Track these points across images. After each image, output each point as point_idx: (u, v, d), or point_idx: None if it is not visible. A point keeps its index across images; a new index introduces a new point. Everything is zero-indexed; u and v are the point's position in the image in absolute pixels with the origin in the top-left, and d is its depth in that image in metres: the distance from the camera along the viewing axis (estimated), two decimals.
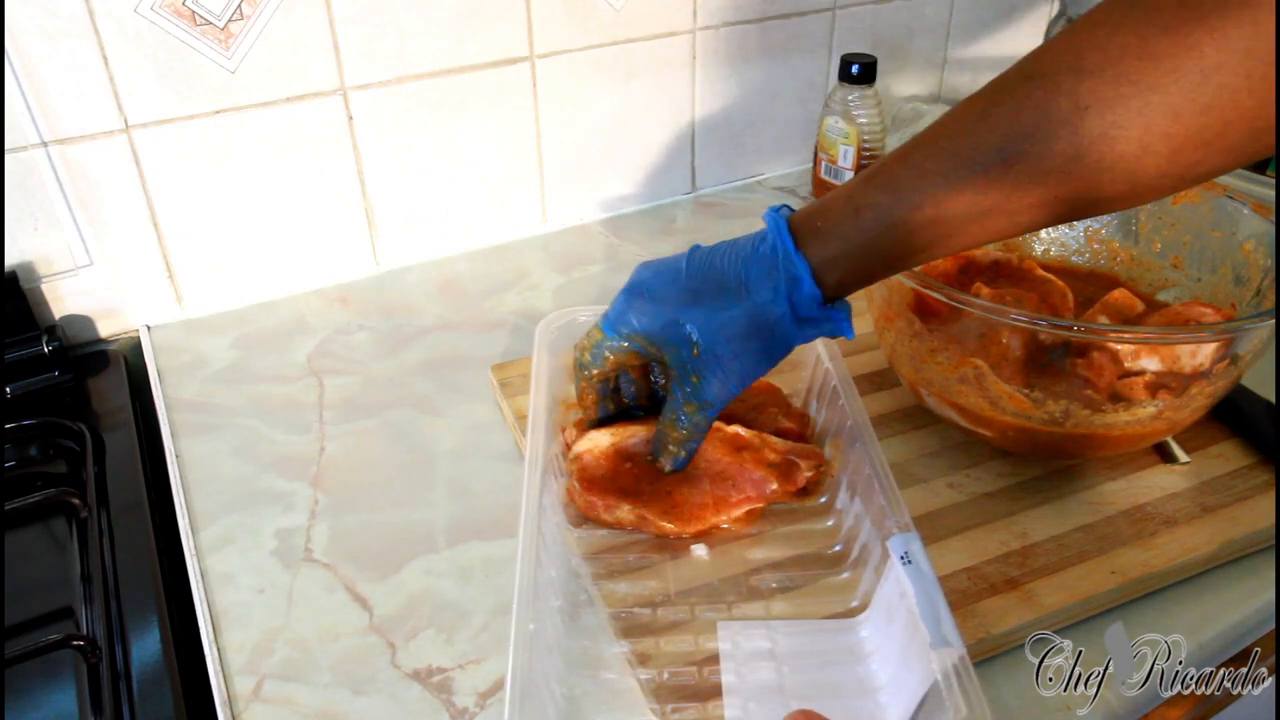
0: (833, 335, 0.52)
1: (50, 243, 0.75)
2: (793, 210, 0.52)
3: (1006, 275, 0.69)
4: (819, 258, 0.49)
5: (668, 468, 0.57)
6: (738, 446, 0.58)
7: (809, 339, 0.52)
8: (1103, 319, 0.64)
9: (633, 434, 0.59)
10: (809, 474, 0.58)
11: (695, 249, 0.54)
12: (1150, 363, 0.57)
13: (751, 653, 0.49)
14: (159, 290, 0.81)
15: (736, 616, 0.51)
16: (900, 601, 0.46)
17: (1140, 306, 0.65)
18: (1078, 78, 0.40)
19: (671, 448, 0.57)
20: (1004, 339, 0.57)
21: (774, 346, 0.52)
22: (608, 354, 0.57)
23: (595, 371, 0.58)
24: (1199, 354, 0.55)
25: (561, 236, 0.95)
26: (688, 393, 0.54)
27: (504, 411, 0.69)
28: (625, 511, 0.55)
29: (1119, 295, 0.66)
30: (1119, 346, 0.57)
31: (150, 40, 0.71)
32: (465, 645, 0.52)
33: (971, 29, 1.12)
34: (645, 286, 0.55)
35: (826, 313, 0.50)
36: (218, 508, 0.62)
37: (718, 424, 0.59)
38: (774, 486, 0.56)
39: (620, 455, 0.58)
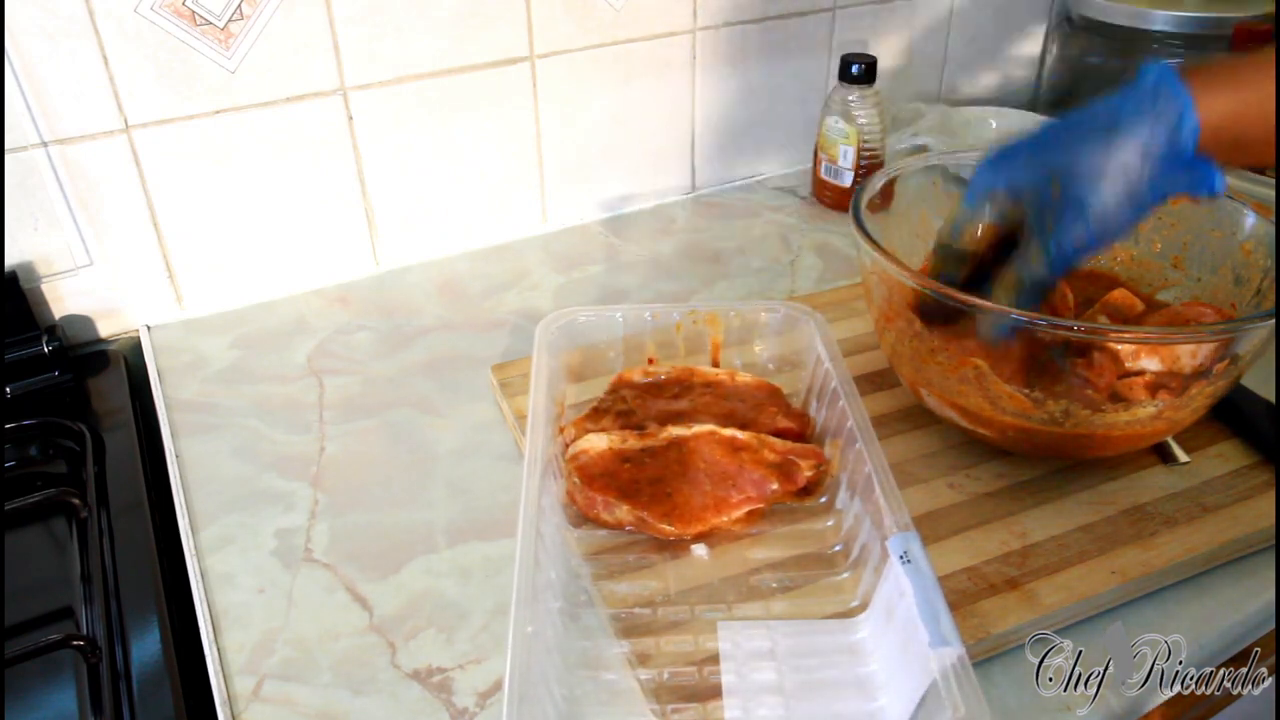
0: (1203, 188, 0.49)
1: (50, 243, 0.75)
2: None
3: None
4: (1206, 100, 0.47)
5: (987, 331, 0.53)
6: (736, 448, 0.58)
7: (1175, 190, 0.49)
8: (1102, 319, 0.64)
9: (629, 438, 0.59)
10: (809, 474, 0.58)
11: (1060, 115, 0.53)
12: (1150, 363, 0.57)
13: (751, 653, 0.49)
14: (159, 290, 0.81)
15: (736, 616, 0.51)
16: (900, 601, 0.46)
17: (1140, 306, 0.65)
18: None
19: (1005, 302, 0.52)
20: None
21: (1139, 191, 0.49)
22: (966, 224, 0.54)
23: (956, 246, 0.55)
24: (1199, 354, 0.55)
25: (561, 236, 0.95)
26: (1041, 242, 0.51)
27: (504, 411, 0.69)
28: (625, 512, 0.55)
29: (1119, 295, 0.66)
30: (1119, 346, 0.57)
31: (150, 40, 0.71)
32: (465, 645, 0.52)
33: (971, 29, 1.12)
34: (1003, 149, 0.52)
35: (1203, 159, 0.48)
36: (218, 508, 0.62)
37: (715, 427, 0.59)
38: (774, 486, 0.56)
39: (619, 456, 0.58)
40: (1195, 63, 0.49)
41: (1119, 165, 0.48)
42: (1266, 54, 0.48)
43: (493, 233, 0.93)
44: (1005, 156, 0.53)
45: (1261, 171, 0.91)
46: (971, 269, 0.57)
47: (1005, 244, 0.55)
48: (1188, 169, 0.48)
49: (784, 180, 1.06)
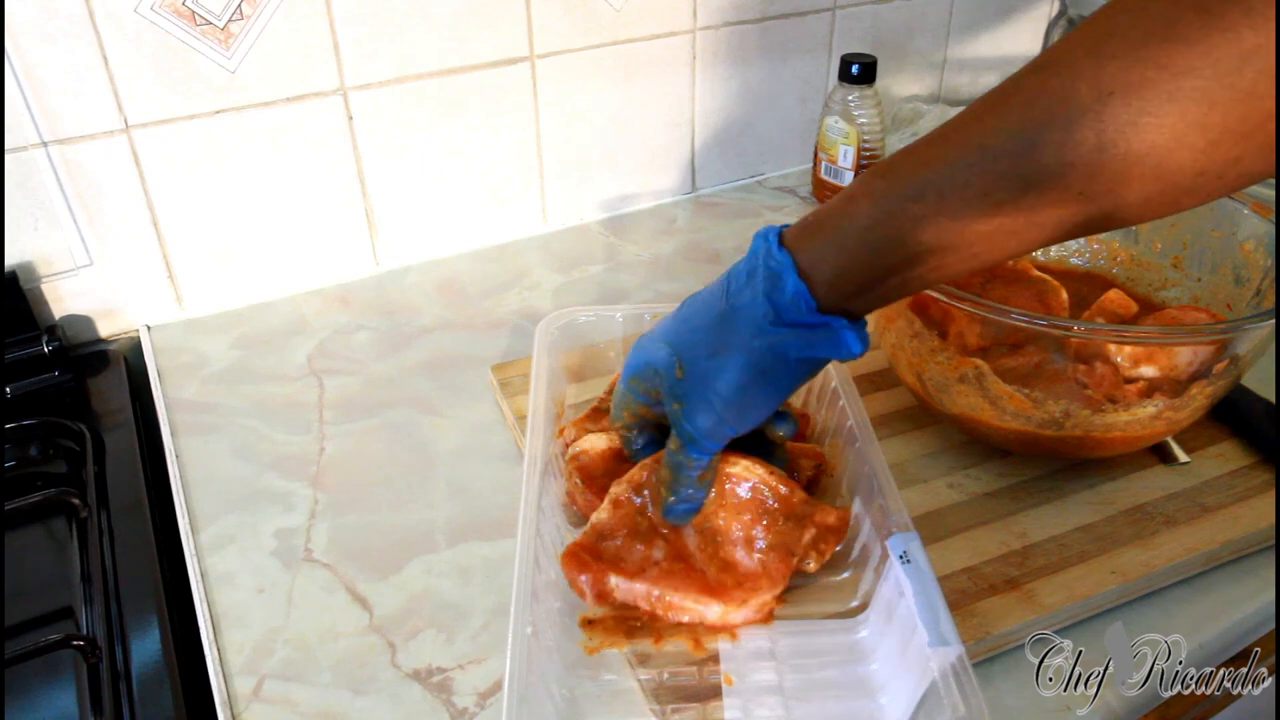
0: (834, 350, 0.44)
1: (50, 243, 0.75)
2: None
3: (1001, 276, 0.69)
4: (807, 252, 0.43)
5: (658, 516, 0.51)
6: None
7: (805, 352, 0.44)
8: (1099, 321, 0.64)
9: None
10: (809, 473, 0.58)
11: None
12: (1148, 369, 0.57)
13: (751, 653, 0.49)
14: (159, 290, 0.81)
15: None
16: (900, 601, 0.46)
17: (1135, 308, 0.65)
18: (1098, 62, 0.35)
19: (663, 491, 0.50)
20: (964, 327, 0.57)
21: (766, 364, 0.45)
22: (623, 405, 0.53)
23: (619, 425, 0.54)
24: (1195, 361, 0.55)
25: (561, 236, 0.95)
26: (676, 428, 0.48)
27: (504, 411, 0.69)
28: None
29: (1114, 296, 0.66)
30: (1118, 359, 0.57)
31: (150, 40, 0.71)
32: (465, 645, 0.52)
33: (971, 29, 1.12)
34: (653, 329, 0.51)
35: (822, 319, 0.43)
36: (218, 508, 0.62)
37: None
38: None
39: (618, 456, 0.58)
40: (799, 222, 0.45)
41: (738, 338, 0.45)
42: (850, 189, 0.43)
43: (493, 233, 0.93)
44: (649, 335, 0.51)
45: None
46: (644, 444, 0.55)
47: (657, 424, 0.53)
48: (810, 330, 0.44)
49: (784, 180, 1.06)
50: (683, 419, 0.47)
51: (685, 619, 0.50)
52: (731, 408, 0.46)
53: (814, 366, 0.46)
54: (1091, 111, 0.35)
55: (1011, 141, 0.37)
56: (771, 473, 0.53)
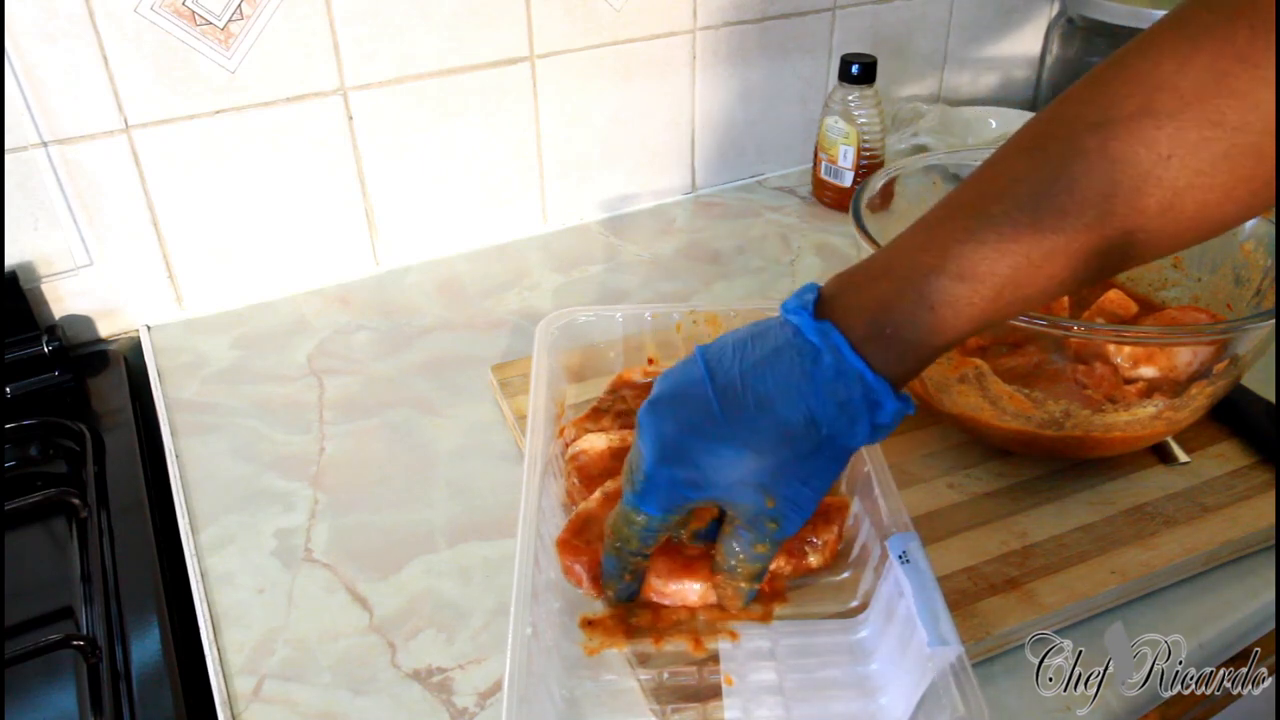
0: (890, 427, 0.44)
1: (50, 243, 0.75)
2: (816, 294, 0.44)
3: None
4: (887, 363, 0.42)
5: (738, 606, 0.50)
6: None
7: (865, 434, 0.44)
8: (1099, 321, 0.64)
9: (629, 438, 0.59)
10: None
11: (714, 366, 0.44)
12: (1148, 370, 0.57)
13: (751, 653, 0.49)
14: (159, 290, 0.81)
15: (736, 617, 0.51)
16: (899, 601, 0.46)
17: (1134, 308, 0.65)
18: (1156, 122, 0.35)
19: (743, 585, 0.49)
20: None
21: (845, 461, 0.45)
22: (658, 532, 0.47)
23: (647, 552, 0.48)
24: (1195, 361, 0.55)
25: (561, 236, 0.95)
26: (763, 535, 0.46)
27: (504, 411, 0.69)
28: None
29: (1113, 296, 0.66)
30: (1118, 359, 0.57)
31: (150, 40, 0.71)
32: (465, 645, 0.52)
33: (971, 29, 1.12)
34: (682, 451, 0.44)
35: (887, 398, 0.42)
36: (218, 508, 0.62)
37: None
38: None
39: (618, 456, 0.58)
40: (832, 287, 0.44)
41: (832, 459, 0.43)
42: (891, 256, 0.42)
43: (493, 233, 0.93)
44: (688, 464, 0.44)
45: None
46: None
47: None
48: (874, 402, 0.42)
49: (784, 180, 1.06)
50: (780, 531, 0.45)
51: (667, 603, 0.51)
52: (817, 504, 0.45)
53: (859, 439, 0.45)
54: (1153, 178, 0.36)
55: (1077, 207, 0.37)
56: None
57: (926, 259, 0.40)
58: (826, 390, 0.42)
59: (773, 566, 0.51)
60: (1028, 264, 0.39)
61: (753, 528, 0.46)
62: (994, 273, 0.39)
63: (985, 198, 0.40)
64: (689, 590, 0.50)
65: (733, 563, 0.48)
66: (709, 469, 0.43)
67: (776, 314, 0.45)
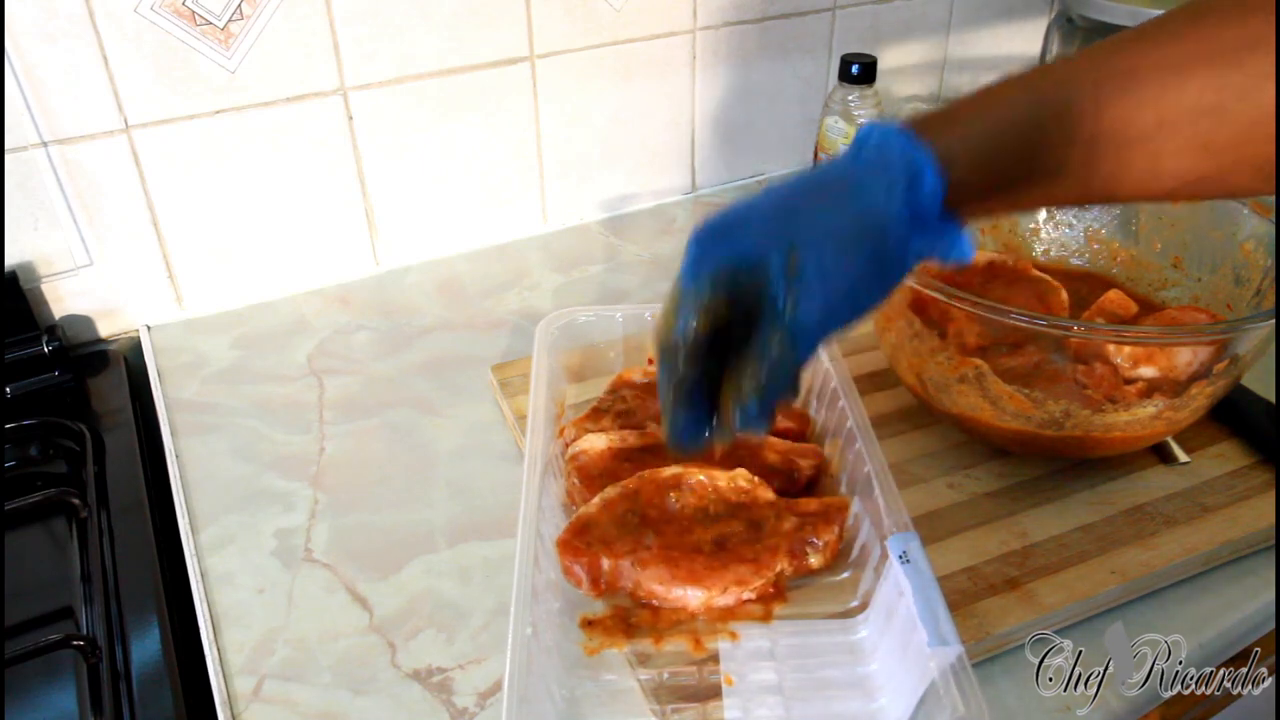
0: (950, 252, 0.43)
1: (50, 243, 0.75)
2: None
3: (1001, 276, 0.69)
4: (944, 147, 0.41)
5: (732, 427, 0.43)
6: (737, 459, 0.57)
7: (921, 255, 0.43)
8: (1099, 321, 0.64)
9: (629, 438, 0.59)
10: (809, 473, 0.58)
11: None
12: (1148, 370, 0.57)
13: (751, 653, 0.49)
14: (159, 290, 0.81)
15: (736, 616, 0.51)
16: (899, 601, 0.46)
17: (1134, 308, 0.65)
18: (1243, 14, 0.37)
19: (746, 393, 0.42)
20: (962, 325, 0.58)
21: (885, 258, 0.42)
22: (697, 309, 0.42)
23: (687, 346, 0.43)
24: (1194, 361, 0.55)
25: (561, 236, 0.95)
26: (777, 321, 0.42)
27: (504, 411, 0.69)
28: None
29: (1114, 296, 0.66)
30: (1118, 360, 0.57)
31: (150, 40, 0.71)
32: (465, 645, 0.52)
33: (971, 29, 1.12)
34: (722, 220, 0.43)
35: (944, 224, 0.42)
36: (218, 508, 0.62)
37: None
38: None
39: (619, 456, 0.58)
40: (924, 114, 0.43)
41: (862, 229, 0.42)
42: (994, 85, 0.42)
43: (493, 233, 0.93)
44: (729, 226, 0.43)
45: None
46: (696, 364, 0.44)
47: (724, 332, 0.43)
48: (934, 235, 0.43)
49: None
50: (795, 315, 0.42)
51: (669, 607, 0.51)
52: (846, 304, 0.43)
53: (914, 268, 0.44)
54: None
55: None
56: (753, 470, 0.55)
57: (1019, 78, 0.42)
58: (869, 159, 0.42)
59: (773, 567, 0.51)
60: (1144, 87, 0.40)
61: (771, 309, 0.42)
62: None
63: (1105, 47, 0.41)
64: (690, 596, 0.50)
65: (737, 373, 0.43)
66: (742, 221, 0.43)
67: None
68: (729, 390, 0.43)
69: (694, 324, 0.42)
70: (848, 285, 0.42)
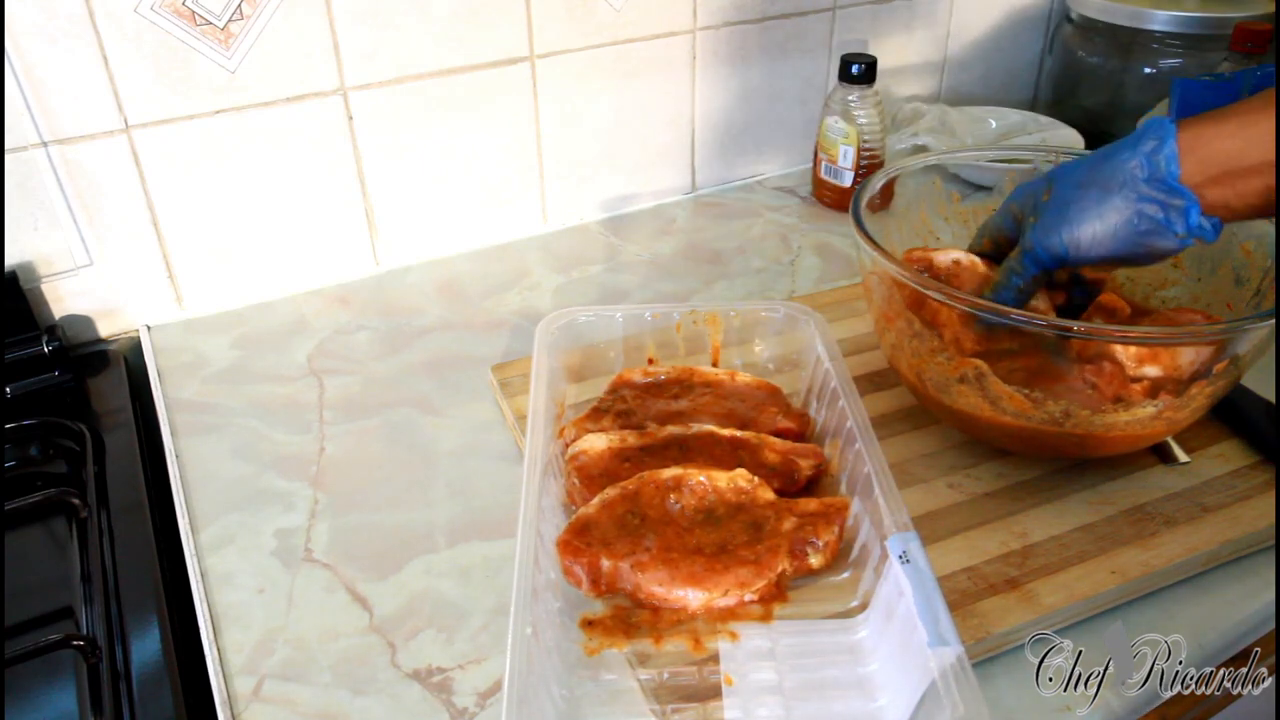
0: (1175, 222, 0.51)
1: (50, 243, 0.75)
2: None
3: None
4: (1193, 129, 0.50)
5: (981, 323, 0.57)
6: (736, 447, 0.58)
7: (1152, 215, 0.51)
8: (1097, 320, 0.64)
9: (629, 438, 0.59)
10: (809, 473, 0.58)
11: None
12: (1151, 369, 0.57)
13: (751, 652, 0.49)
14: (159, 290, 0.81)
15: (737, 616, 0.51)
16: (899, 601, 0.46)
17: (1127, 310, 0.65)
18: None
19: (986, 290, 0.59)
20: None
21: (1112, 204, 0.52)
22: (985, 230, 0.63)
23: (973, 253, 0.63)
24: (1197, 361, 0.55)
25: (561, 236, 0.95)
26: (1023, 240, 0.56)
27: (504, 411, 0.69)
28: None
29: (1106, 299, 0.66)
30: (1121, 357, 0.57)
31: (150, 40, 0.71)
32: (465, 645, 0.52)
33: (971, 29, 1.12)
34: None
35: (1178, 189, 0.50)
36: (218, 508, 0.62)
37: (715, 428, 0.59)
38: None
39: (619, 456, 0.58)
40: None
41: (1102, 181, 0.53)
42: (1260, 98, 0.50)
43: (493, 233, 0.93)
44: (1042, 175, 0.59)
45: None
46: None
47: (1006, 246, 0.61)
48: (1167, 194, 0.51)
49: (784, 180, 1.06)
50: (1031, 230, 0.56)
51: (670, 607, 0.51)
52: (1073, 233, 0.54)
53: (1150, 238, 0.52)
54: None
55: None
56: (753, 471, 0.55)
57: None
58: (1138, 129, 0.53)
59: (774, 567, 0.51)
60: None
61: (1024, 229, 0.57)
62: None
63: None
64: (690, 597, 0.50)
65: (994, 277, 0.59)
66: (1044, 175, 0.58)
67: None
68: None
69: (979, 243, 0.64)
70: (1081, 218, 0.53)
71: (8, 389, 0.72)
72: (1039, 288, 0.58)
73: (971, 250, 0.64)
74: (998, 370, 0.56)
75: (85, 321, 0.79)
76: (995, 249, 0.62)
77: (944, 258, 0.63)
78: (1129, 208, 0.52)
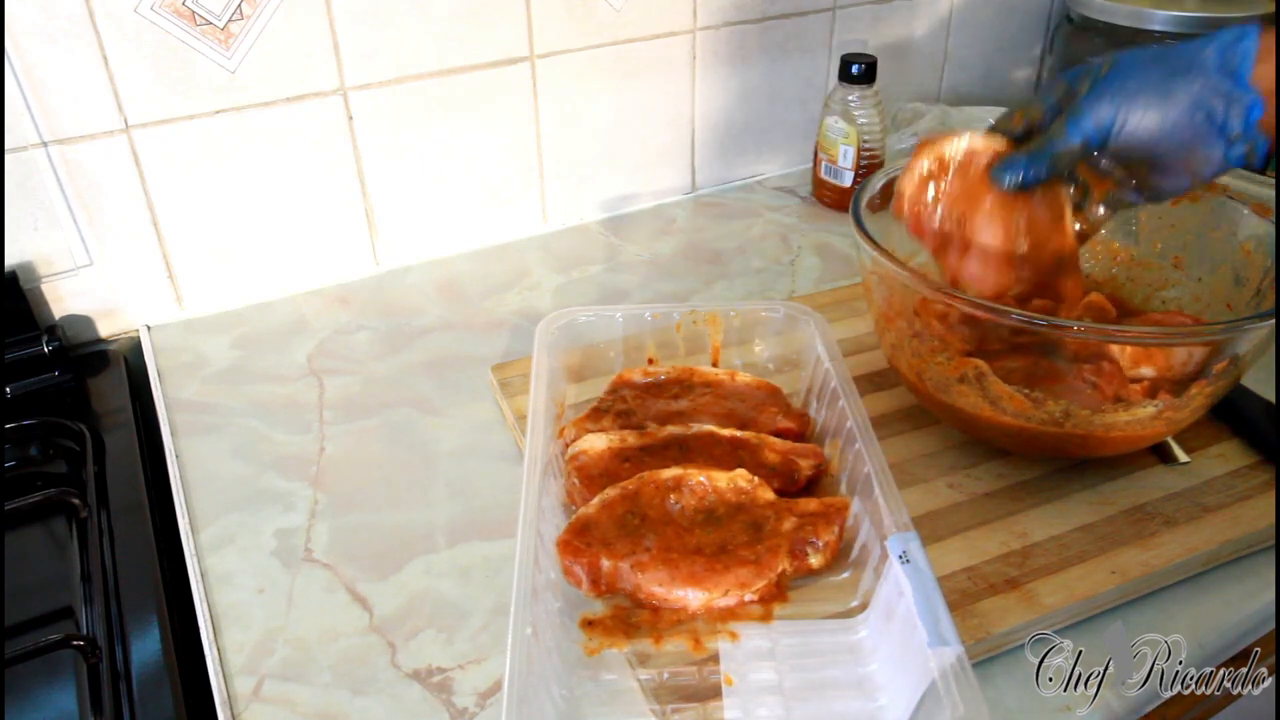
0: (1234, 121, 0.50)
1: (50, 243, 0.75)
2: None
3: None
4: (1271, 35, 0.49)
5: (1002, 181, 0.55)
6: (736, 446, 0.58)
7: (1215, 108, 0.50)
8: (1088, 321, 0.64)
9: (629, 438, 0.59)
10: (809, 473, 0.58)
11: None
12: (1148, 369, 0.57)
13: (751, 652, 0.49)
14: (159, 290, 0.81)
15: (737, 616, 0.51)
16: (899, 601, 0.46)
17: (1114, 312, 0.65)
18: None
19: (1020, 153, 0.55)
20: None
21: (1178, 83, 0.50)
22: (1020, 106, 0.58)
23: (1014, 116, 0.58)
24: (1190, 361, 0.55)
25: (561, 236, 0.95)
26: (1071, 109, 0.53)
27: (504, 411, 0.69)
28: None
29: (1094, 299, 0.66)
30: (1119, 358, 0.57)
31: (150, 40, 0.71)
32: (465, 645, 0.52)
33: (971, 29, 1.12)
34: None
35: (1246, 87, 0.49)
36: (218, 508, 0.62)
37: (715, 428, 0.59)
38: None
39: (619, 456, 0.58)
40: None
41: (1172, 59, 0.50)
42: None
43: (493, 233, 0.93)
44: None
45: (1263, 170, 0.91)
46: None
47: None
48: (1233, 87, 0.49)
49: (784, 180, 1.06)
50: (1083, 97, 0.53)
51: (670, 607, 0.51)
52: (1127, 107, 0.51)
53: (1201, 137, 0.51)
54: None
55: None
56: (753, 471, 0.55)
57: None
58: (1222, 33, 0.50)
59: (774, 568, 0.51)
60: None
61: (1075, 98, 0.54)
62: None
63: None
64: (691, 598, 0.50)
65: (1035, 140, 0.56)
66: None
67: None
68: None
69: (1011, 118, 0.58)
70: (1136, 91, 0.51)
71: (8, 389, 0.72)
72: (1073, 164, 0.55)
73: (999, 128, 0.59)
74: (998, 370, 0.56)
75: (85, 321, 0.79)
76: (1025, 128, 0.58)
77: (955, 146, 0.58)
78: (1190, 94, 0.50)
